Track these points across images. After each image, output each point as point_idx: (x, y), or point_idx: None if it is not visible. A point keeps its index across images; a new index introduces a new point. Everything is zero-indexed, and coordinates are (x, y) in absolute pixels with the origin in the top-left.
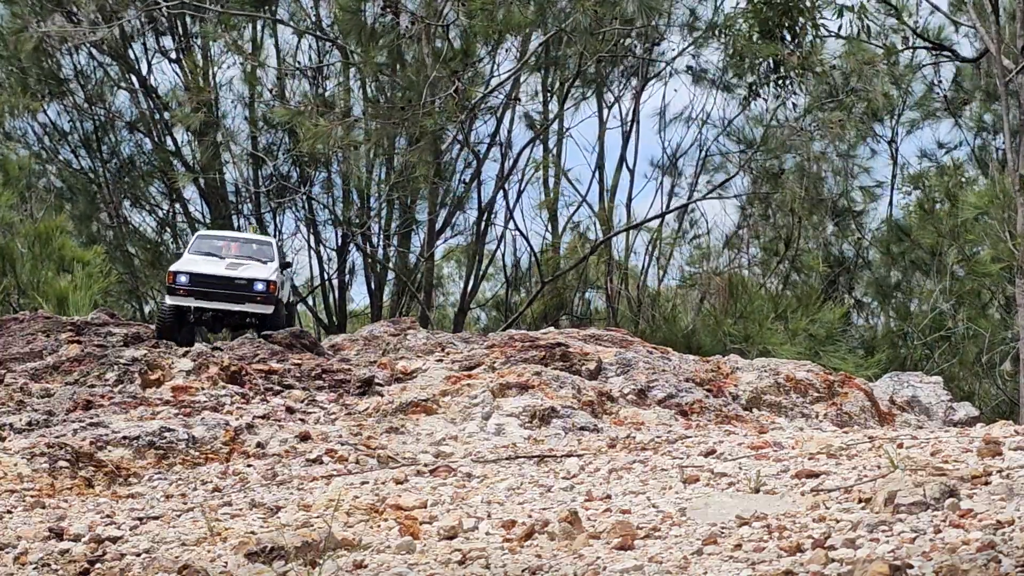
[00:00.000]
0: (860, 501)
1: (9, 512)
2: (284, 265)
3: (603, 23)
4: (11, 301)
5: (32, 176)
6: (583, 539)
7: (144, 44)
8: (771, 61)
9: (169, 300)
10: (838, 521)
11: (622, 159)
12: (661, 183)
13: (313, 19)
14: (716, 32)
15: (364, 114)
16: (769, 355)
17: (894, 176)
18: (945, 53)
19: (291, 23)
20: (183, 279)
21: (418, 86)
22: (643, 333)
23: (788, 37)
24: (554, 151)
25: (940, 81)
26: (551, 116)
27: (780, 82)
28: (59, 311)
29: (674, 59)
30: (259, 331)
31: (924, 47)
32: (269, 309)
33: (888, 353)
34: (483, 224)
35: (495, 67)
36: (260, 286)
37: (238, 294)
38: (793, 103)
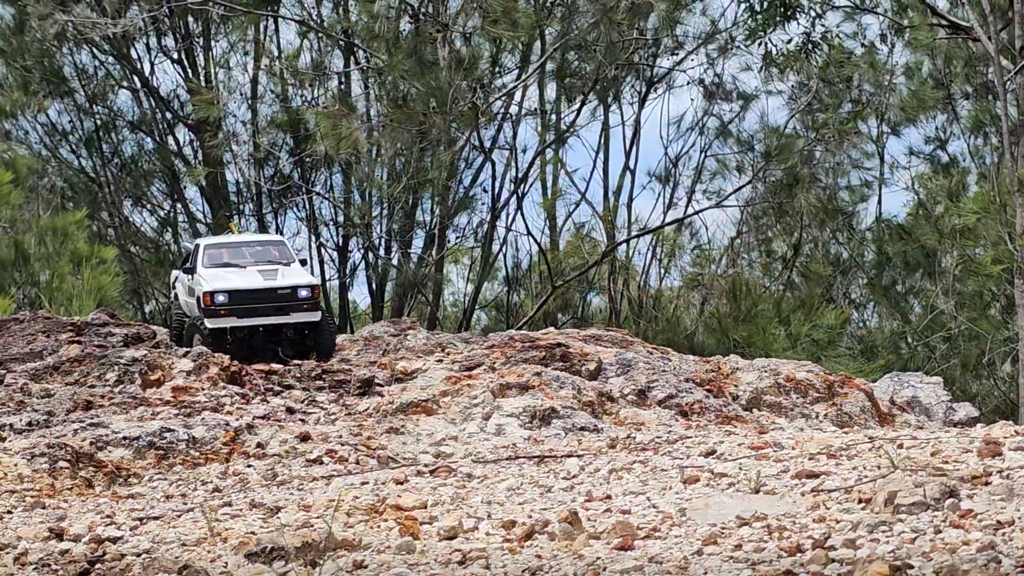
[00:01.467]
0: (860, 501)
1: (9, 512)
2: (302, 263)
3: (624, 33)
4: (19, 299)
5: (36, 176)
6: (583, 539)
7: (147, 44)
8: (784, 27)
9: (209, 324)
10: (838, 521)
11: (626, 163)
12: (663, 190)
13: (317, 19)
14: None
15: (389, 121)
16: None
17: (882, 175)
18: (960, 34)
19: (302, 22)
20: (222, 298)
21: (441, 93)
22: (644, 334)
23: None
24: (552, 150)
25: (949, 70)
26: (560, 120)
27: (790, 60)
28: (76, 309)
29: (680, 61)
30: (308, 346)
31: (941, 24)
32: (317, 316)
33: (888, 359)
34: (492, 226)
35: (502, 71)
36: (304, 292)
37: (283, 305)
38: (804, 79)
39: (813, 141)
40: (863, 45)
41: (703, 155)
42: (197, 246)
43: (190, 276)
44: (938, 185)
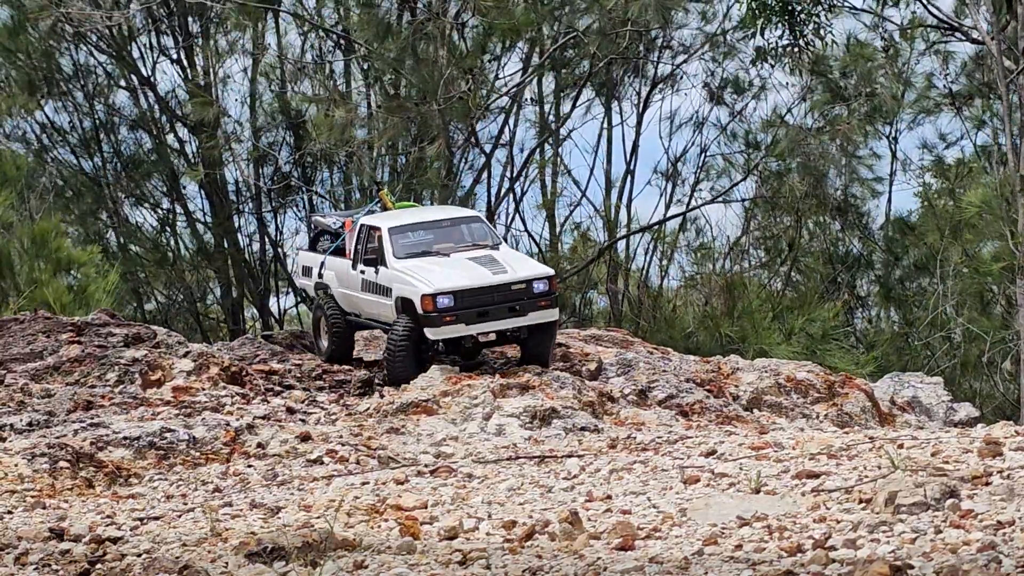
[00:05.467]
0: (861, 502)
1: (10, 512)
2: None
3: (616, 25)
4: (9, 303)
5: (31, 176)
6: (584, 539)
7: (147, 42)
8: (785, 25)
9: (431, 334)
10: (839, 521)
11: (627, 161)
12: (665, 187)
13: (316, 16)
14: None
15: (379, 108)
16: (766, 355)
17: (892, 173)
18: (958, 35)
19: (300, 16)
20: (446, 301)
21: (433, 84)
22: (644, 334)
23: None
24: (552, 151)
25: (948, 72)
26: (558, 116)
27: (790, 51)
28: (61, 312)
29: (682, 63)
30: (530, 352)
31: (939, 26)
32: (555, 313)
33: (885, 352)
34: (491, 223)
35: (502, 67)
36: (541, 286)
37: (518, 304)
38: (800, 70)
39: (804, 133)
40: (883, 38)
41: (704, 155)
42: (374, 229)
43: (375, 270)
44: (943, 185)
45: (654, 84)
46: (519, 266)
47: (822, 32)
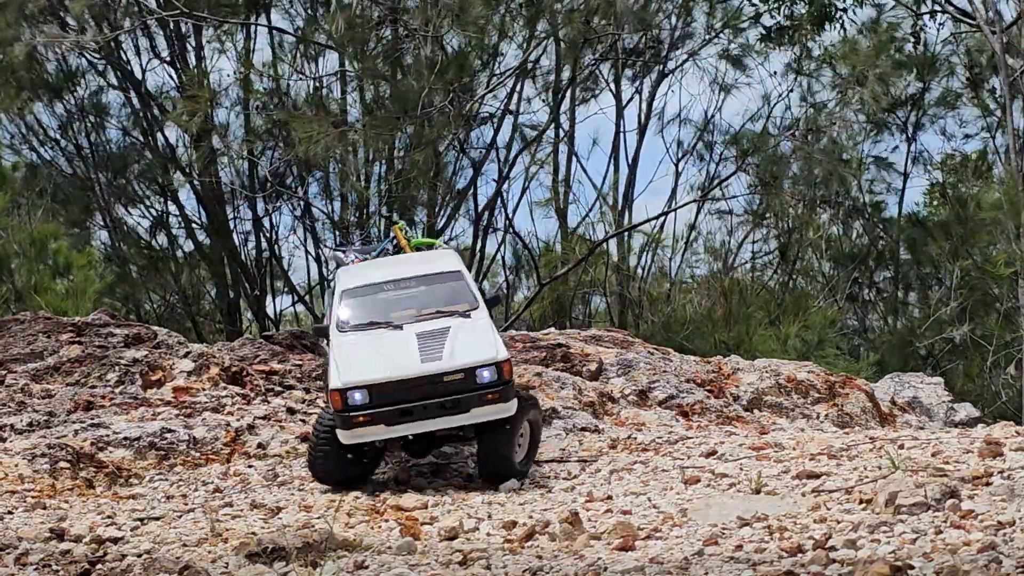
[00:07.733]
0: (861, 502)
1: (10, 513)
2: (492, 303)
3: (593, 32)
4: (9, 307)
5: (24, 181)
6: (584, 540)
7: (137, 43)
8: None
9: (344, 437)
10: (839, 522)
11: (633, 161)
12: (675, 184)
13: (305, 19)
14: None
15: (365, 125)
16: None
17: (906, 171)
18: (970, 22)
19: (281, 30)
20: (359, 397)
21: (417, 96)
22: (644, 335)
23: None
24: (552, 152)
25: (970, 64)
26: (550, 119)
27: (798, 38)
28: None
29: (683, 62)
30: (482, 457)
31: (951, 14)
32: (510, 408)
33: (878, 357)
34: (481, 228)
35: (491, 73)
36: (487, 374)
37: (452, 399)
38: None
39: (785, 135)
40: (916, 16)
41: (710, 151)
42: (335, 287)
43: (324, 341)
44: (956, 178)
45: (660, 78)
46: (463, 350)
47: (831, 11)
